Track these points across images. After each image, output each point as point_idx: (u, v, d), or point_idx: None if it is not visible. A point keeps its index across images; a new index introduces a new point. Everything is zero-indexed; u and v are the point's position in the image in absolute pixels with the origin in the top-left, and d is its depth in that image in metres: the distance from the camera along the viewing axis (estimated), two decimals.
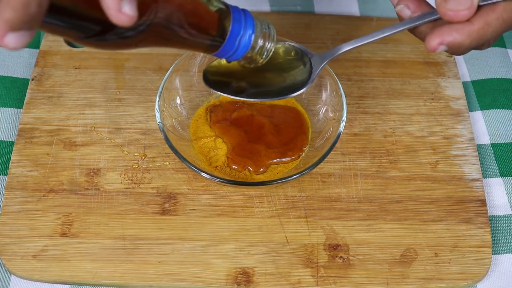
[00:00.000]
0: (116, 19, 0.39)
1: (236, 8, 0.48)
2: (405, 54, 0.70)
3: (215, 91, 0.53)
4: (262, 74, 0.53)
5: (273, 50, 0.50)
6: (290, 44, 0.54)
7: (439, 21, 0.47)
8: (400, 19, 0.50)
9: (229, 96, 0.53)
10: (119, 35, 0.43)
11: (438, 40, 0.45)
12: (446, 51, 0.46)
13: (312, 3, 0.76)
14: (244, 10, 0.49)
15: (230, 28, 0.47)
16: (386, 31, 0.49)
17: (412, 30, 0.49)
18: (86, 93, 0.65)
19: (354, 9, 0.76)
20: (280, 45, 0.54)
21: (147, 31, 0.44)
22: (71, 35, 0.42)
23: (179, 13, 0.45)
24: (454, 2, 0.44)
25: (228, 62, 0.50)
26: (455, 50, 0.46)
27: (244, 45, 0.48)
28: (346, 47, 0.51)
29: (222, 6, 0.47)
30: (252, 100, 0.53)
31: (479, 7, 0.45)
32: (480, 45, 0.47)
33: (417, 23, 0.48)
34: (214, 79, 0.53)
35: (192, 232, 0.57)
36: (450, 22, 0.45)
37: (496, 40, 0.48)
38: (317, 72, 0.52)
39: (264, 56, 0.50)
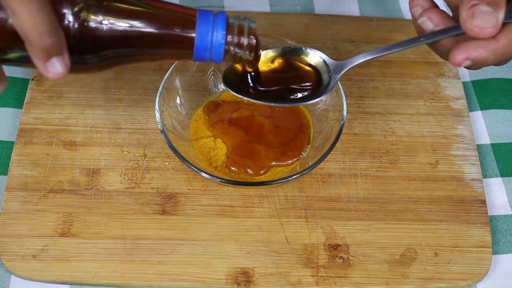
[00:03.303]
0: (47, 76, 0.44)
1: (203, 11, 0.47)
2: (405, 54, 0.70)
3: (234, 93, 0.52)
4: (279, 79, 0.54)
5: (258, 44, 0.48)
6: (308, 50, 0.54)
7: (461, 36, 0.47)
8: (420, 31, 0.50)
9: (247, 99, 0.53)
10: (79, 65, 0.46)
11: (465, 55, 0.45)
12: (468, 66, 0.47)
13: (312, 3, 0.76)
14: (217, 12, 0.47)
15: (196, 31, 0.46)
16: (406, 44, 0.49)
17: (432, 43, 0.49)
18: (86, 93, 0.65)
19: (354, 9, 0.76)
20: (297, 51, 0.54)
21: (107, 61, 0.46)
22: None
23: (136, 41, 0.46)
24: (480, 19, 0.44)
25: (216, 63, 0.49)
26: (478, 65, 0.47)
27: (217, 45, 0.47)
28: (369, 56, 0.51)
29: (187, 13, 0.46)
30: (267, 103, 0.53)
31: (503, 25, 0.45)
32: (499, 62, 0.48)
33: (441, 36, 0.48)
34: (233, 81, 0.53)
35: (192, 232, 0.57)
36: (475, 39, 0.45)
37: None
38: (337, 80, 0.53)
39: (249, 54, 0.48)
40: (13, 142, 0.62)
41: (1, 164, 0.61)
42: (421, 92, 0.67)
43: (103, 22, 0.45)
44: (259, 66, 0.53)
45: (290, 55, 0.55)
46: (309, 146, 0.62)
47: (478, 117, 0.67)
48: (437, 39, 0.48)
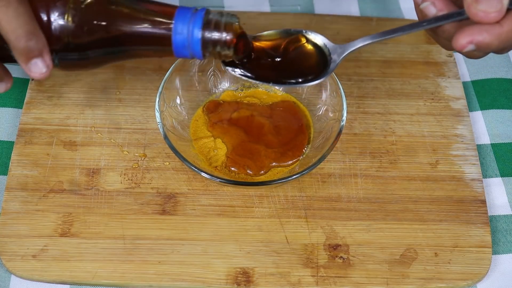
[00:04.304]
0: (31, 76, 0.47)
1: (183, 9, 0.47)
2: (405, 54, 0.70)
3: (231, 71, 0.51)
4: (279, 60, 0.53)
5: (239, 39, 0.48)
6: (309, 33, 0.53)
7: (464, 22, 0.47)
8: (422, 16, 0.49)
9: (244, 78, 0.52)
10: (65, 64, 0.48)
11: (469, 38, 0.45)
12: (470, 53, 0.46)
13: (312, 3, 0.76)
14: (198, 9, 0.47)
15: (173, 29, 0.46)
16: (409, 29, 0.49)
17: (434, 29, 0.49)
18: (86, 93, 0.65)
19: (354, 9, 0.76)
20: (298, 34, 0.53)
21: (93, 60, 0.48)
22: None
23: (117, 40, 0.47)
24: (485, 4, 0.45)
25: (200, 59, 0.49)
26: (482, 50, 0.47)
27: (194, 42, 0.47)
28: (369, 40, 0.51)
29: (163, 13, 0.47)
30: (265, 83, 0.52)
31: (508, 10, 0.45)
32: (502, 49, 0.48)
33: (444, 22, 0.48)
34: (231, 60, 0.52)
35: (192, 232, 0.57)
36: (478, 23, 0.45)
37: None
38: (337, 63, 0.52)
39: (228, 49, 0.48)
40: (13, 142, 0.62)
41: (1, 164, 0.61)
42: (421, 92, 0.67)
43: (84, 23, 0.46)
44: (260, 47, 0.52)
45: (291, 37, 0.54)
46: (309, 146, 0.62)
47: (478, 117, 0.67)
48: (440, 24, 0.48)
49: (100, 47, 0.47)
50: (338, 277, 0.55)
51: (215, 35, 0.47)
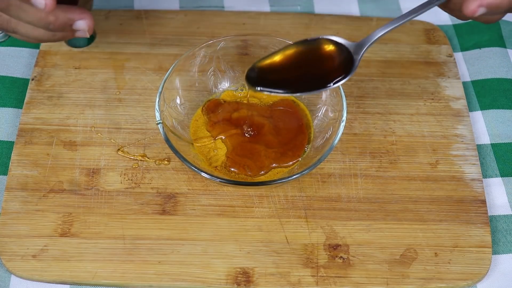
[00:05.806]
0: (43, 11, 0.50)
1: None
2: (405, 54, 0.70)
3: (258, 90, 0.54)
4: (301, 69, 0.55)
5: None
6: (325, 38, 0.56)
7: None
8: None
9: (273, 93, 0.54)
10: None
11: (478, 2, 0.47)
12: (483, 17, 0.47)
13: (312, 3, 0.76)
14: None
15: None
16: (421, 9, 0.51)
17: (444, 5, 0.51)
18: (86, 93, 0.65)
19: (354, 9, 0.76)
20: (316, 40, 0.55)
21: None
22: None
23: None
24: None
25: None
26: (494, 11, 0.47)
27: None
28: (385, 30, 0.53)
29: None
30: (296, 94, 0.54)
31: None
32: None
33: None
34: (256, 77, 0.55)
35: (192, 232, 0.57)
36: None
37: None
38: (359, 59, 0.54)
39: None
40: (13, 142, 0.62)
41: (1, 164, 0.61)
42: (421, 92, 0.67)
43: None
44: (280, 63, 0.55)
45: (309, 46, 0.56)
46: (309, 146, 0.62)
47: (478, 117, 0.67)
48: None
49: None
50: (338, 277, 0.55)
51: None
